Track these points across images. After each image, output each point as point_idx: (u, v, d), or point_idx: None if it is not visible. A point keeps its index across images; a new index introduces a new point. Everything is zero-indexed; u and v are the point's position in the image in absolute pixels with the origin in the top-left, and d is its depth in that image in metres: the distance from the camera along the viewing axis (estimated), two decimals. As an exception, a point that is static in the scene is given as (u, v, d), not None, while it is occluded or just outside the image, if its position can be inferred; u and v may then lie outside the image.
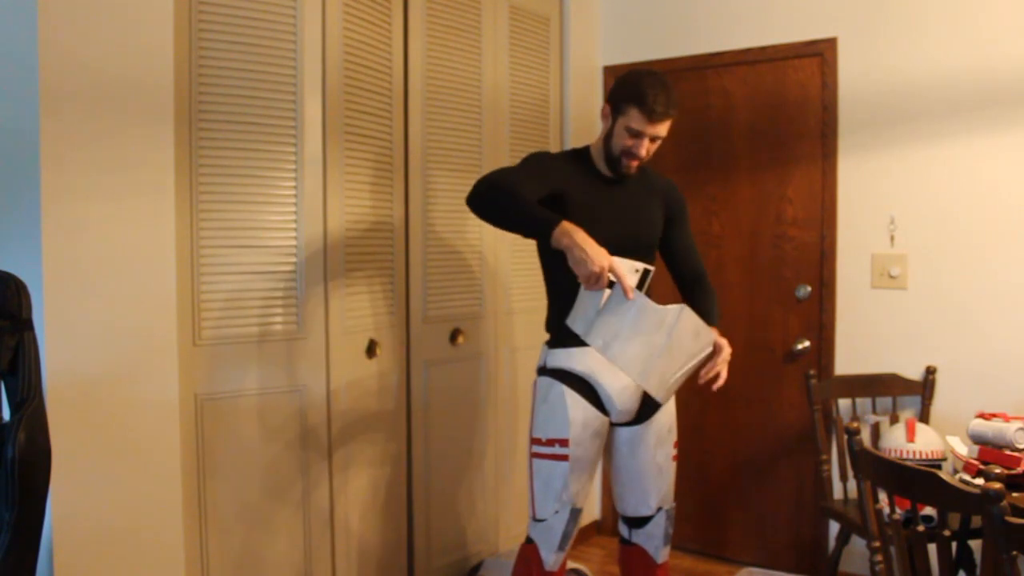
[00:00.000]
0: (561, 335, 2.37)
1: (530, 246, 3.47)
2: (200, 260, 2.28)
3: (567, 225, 2.10)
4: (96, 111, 2.02)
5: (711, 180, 3.56)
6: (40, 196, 1.93)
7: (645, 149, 2.34)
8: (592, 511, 3.84)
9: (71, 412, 1.98)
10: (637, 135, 2.30)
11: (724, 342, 2.31)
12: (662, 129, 2.31)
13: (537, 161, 2.37)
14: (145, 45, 2.10)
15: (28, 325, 1.48)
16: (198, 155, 2.27)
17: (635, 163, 2.36)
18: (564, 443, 2.31)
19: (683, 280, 2.56)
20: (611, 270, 2.09)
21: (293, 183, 2.45)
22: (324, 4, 2.49)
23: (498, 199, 2.15)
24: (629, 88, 2.30)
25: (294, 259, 2.46)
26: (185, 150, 2.24)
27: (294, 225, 2.46)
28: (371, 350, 2.74)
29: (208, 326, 2.30)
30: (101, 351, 2.04)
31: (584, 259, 2.06)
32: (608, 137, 2.37)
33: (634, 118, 2.29)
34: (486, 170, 3.22)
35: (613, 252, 2.23)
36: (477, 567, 3.18)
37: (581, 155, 2.45)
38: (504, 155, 3.31)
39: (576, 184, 2.36)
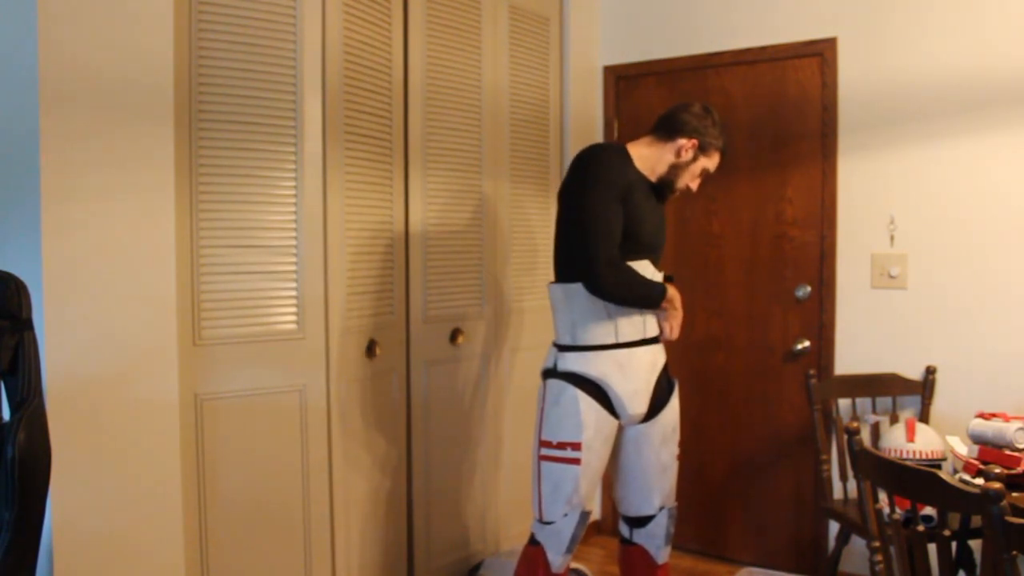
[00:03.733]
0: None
1: (529, 246, 3.47)
2: (200, 260, 2.28)
3: (670, 292, 2.39)
4: (96, 111, 2.02)
5: (711, 180, 3.55)
6: (40, 196, 1.93)
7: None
8: (592, 511, 3.84)
9: (71, 412, 1.98)
10: (703, 175, 2.49)
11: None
12: None
13: (612, 169, 2.31)
14: (145, 45, 2.10)
15: (28, 325, 1.48)
16: (198, 155, 2.27)
17: (682, 194, 2.54)
18: (576, 447, 2.30)
19: None
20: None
21: (293, 183, 2.45)
22: (324, 4, 2.49)
23: (624, 297, 2.30)
24: (717, 134, 2.44)
25: (294, 259, 2.46)
26: (185, 150, 2.24)
27: (294, 225, 2.46)
28: (371, 350, 2.74)
29: (208, 326, 2.30)
30: (101, 351, 2.04)
31: (676, 315, 2.43)
32: (676, 168, 2.44)
33: (715, 163, 2.46)
34: (486, 170, 3.22)
35: (652, 252, 2.44)
36: (477, 567, 3.18)
37: (629, 157, 2.42)
38: (504, 155, 3.31)
39: (634, 188, 2.36)
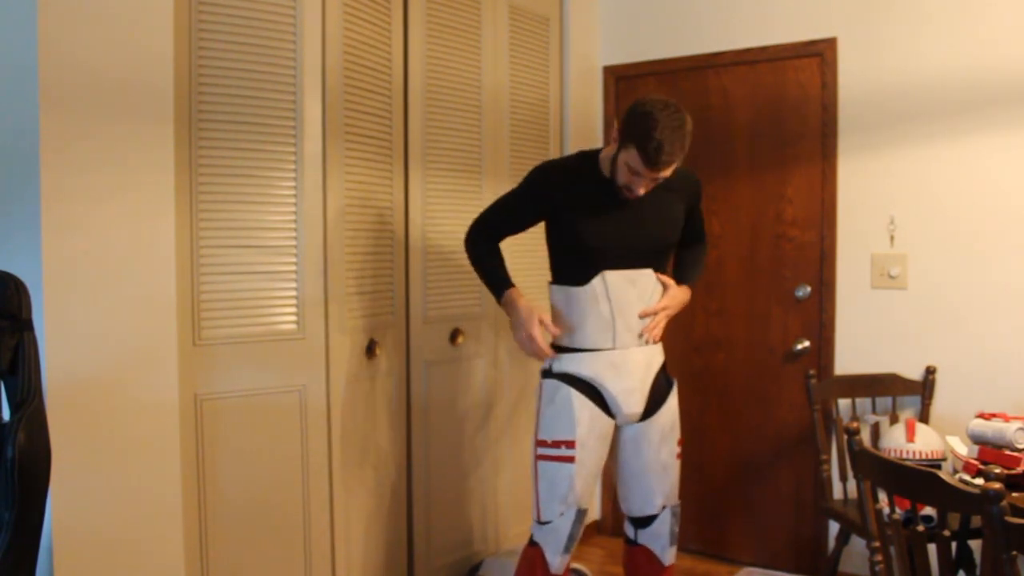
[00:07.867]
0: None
1: (529, 247, 3.47)
2: (200, 260, 2.28)
3: (510, 295, 2.40)
4: (96, 111, 2.02)
5: (711, 180, 3.56)
6: (40, 196, 1.93)
7: (644, 188, 2.24)
8: (593, 511, 3.84)
9: (71, 412, 1.98)
10: (636, 173, 2.20)
11: (666, 303, 2.42)
12: (663, 172, 2.19)
13: (532, 188, 2.41)
14: (145, 45, 2.10)
15: (28, 325, 1.48)
16: (198, 155, 2.27)
17: (634, 196, 2.27)
18: (570, 444, 2.31)
19: (681, 244, 2.55)
20: (542, 323, 2.34)
21: (293, 183, 2.45)
22: (324, 4, 2.49)
23: (473, 262, 2.51)
24: (638, 125, 2.12)
25: (294, 259, 2.46)
26: (185, 150, 2.24)
27: (294, 225, 2.46)
28: (371, 350, 2.74)
29: (208, 326, 2.30)
30: (101, 351, 2.04)
31: (515, 328, 2.38)
32: (614, 160, 2.27)
33: (633, 158, 2.16)
34: (486, 170, 3.22)
35: (627, 259, 2.33)
36: (477, 567, 3.18)
37: (590, 161, 2.38)
38: (504, 155, 3.31)
39: (582, 199, 2.32)
